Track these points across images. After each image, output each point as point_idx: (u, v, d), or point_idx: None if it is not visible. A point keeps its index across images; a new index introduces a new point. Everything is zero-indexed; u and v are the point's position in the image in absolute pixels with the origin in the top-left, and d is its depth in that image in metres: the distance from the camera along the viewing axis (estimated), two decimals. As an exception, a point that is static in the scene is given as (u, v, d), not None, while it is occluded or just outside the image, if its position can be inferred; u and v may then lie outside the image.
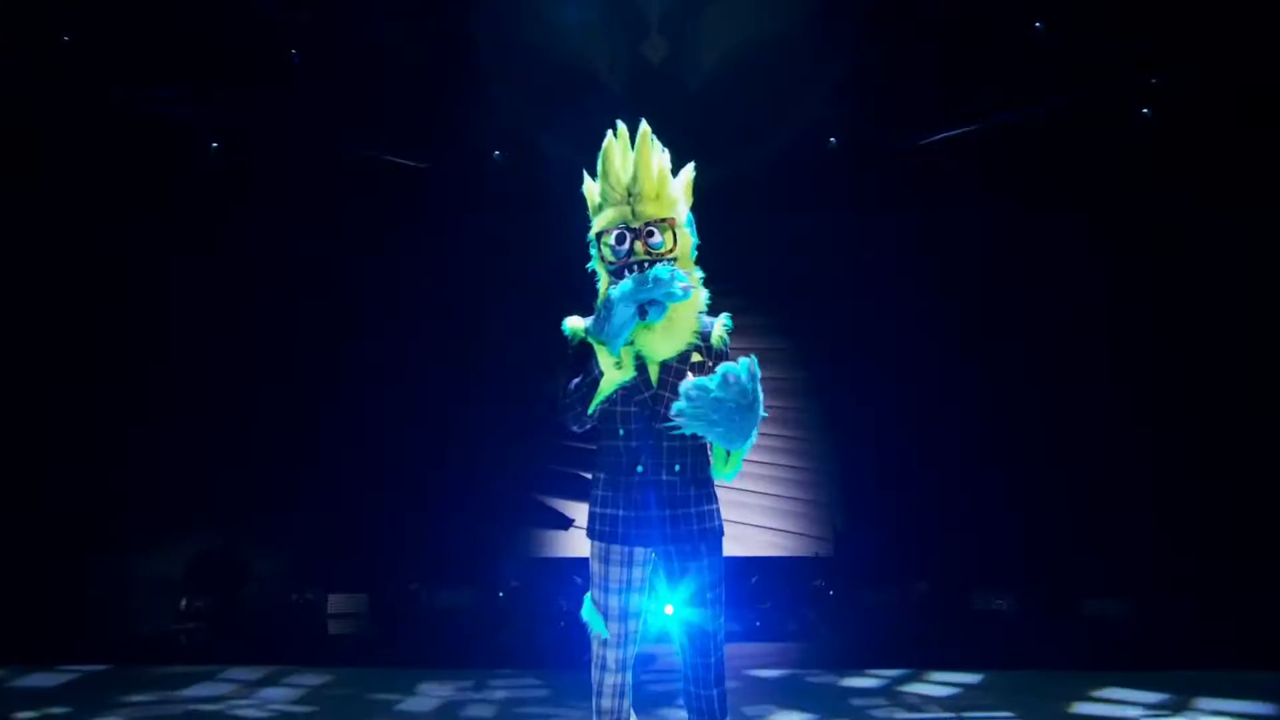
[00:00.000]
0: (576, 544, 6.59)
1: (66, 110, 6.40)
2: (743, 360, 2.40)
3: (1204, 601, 5.99)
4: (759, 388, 2.34)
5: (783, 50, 6.43)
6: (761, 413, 2.35)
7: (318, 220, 7.09)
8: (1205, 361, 6.57)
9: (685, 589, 2.85)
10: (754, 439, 2.49)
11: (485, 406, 7.18)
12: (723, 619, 2.85)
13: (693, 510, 2.83)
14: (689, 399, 2.39)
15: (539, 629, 6.20)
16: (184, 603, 6.33)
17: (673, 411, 2.40)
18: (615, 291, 2.58)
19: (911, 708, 4.30)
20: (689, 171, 2.86)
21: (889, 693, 4.58)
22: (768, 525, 7.13)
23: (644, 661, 5.08)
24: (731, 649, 5.78)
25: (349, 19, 6.24)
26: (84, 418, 6.68)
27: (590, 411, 2.73)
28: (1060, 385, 6.88)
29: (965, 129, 6.86)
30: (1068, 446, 6.77)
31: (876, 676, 4.90)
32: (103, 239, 6.80)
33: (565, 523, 7.12)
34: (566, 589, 6.02)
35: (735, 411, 2.39)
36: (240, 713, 4.19)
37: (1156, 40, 6.17)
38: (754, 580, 6.60)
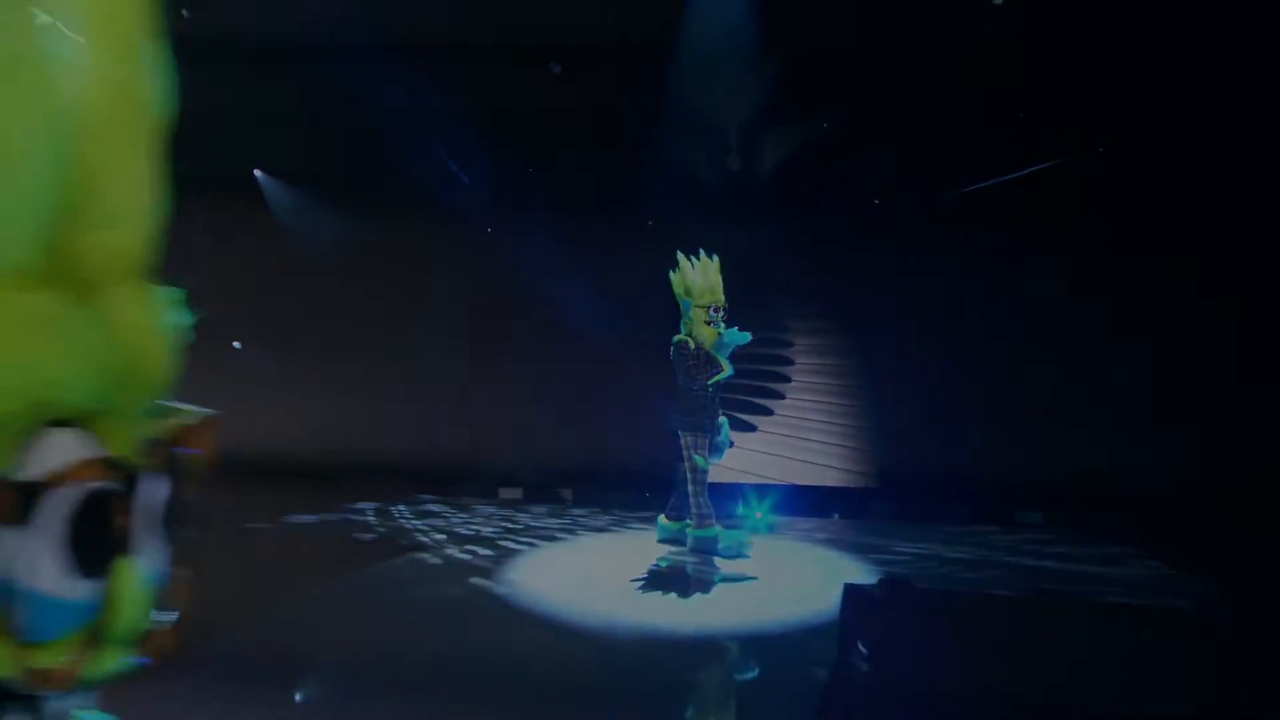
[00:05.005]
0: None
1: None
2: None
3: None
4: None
5: (831, 146, 9.60)
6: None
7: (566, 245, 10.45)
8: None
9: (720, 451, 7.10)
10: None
11: (655, 376, 10.60)
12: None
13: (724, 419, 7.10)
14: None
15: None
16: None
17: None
18: (725, 338, 7.02)
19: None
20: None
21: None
22: (824, 441, 10.39)
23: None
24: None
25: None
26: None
27: (710, 384, 7.11)
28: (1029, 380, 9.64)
29: (978, 185, 9.58)
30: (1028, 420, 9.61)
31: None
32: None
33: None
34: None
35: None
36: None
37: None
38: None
